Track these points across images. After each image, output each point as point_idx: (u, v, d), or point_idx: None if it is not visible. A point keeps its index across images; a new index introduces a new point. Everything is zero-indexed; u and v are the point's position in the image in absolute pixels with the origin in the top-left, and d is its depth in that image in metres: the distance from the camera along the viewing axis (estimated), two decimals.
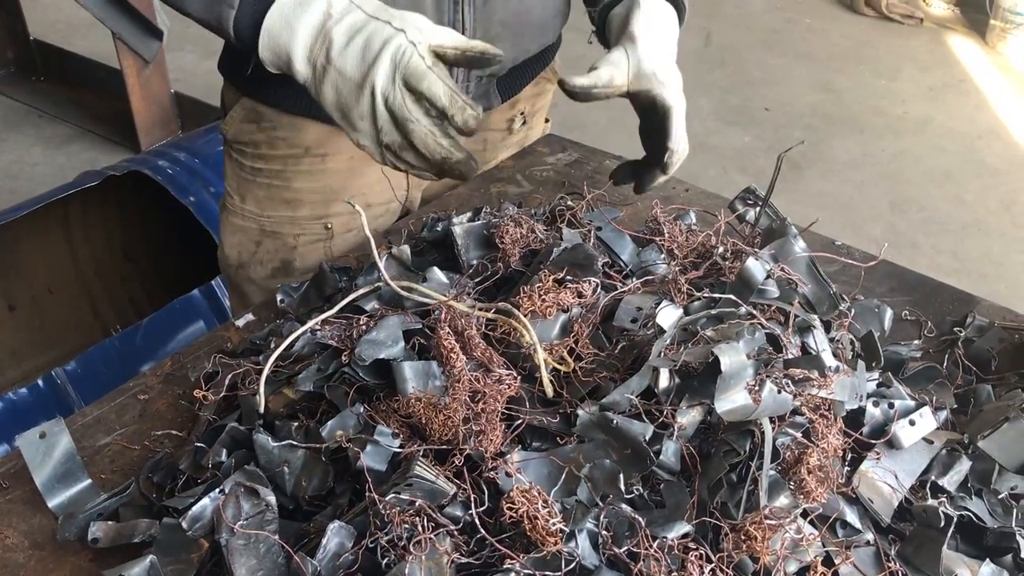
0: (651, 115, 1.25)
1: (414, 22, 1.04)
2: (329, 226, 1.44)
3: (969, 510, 0.91)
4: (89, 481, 0.96)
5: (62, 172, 3.44)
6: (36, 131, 3.89)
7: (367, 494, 0.81)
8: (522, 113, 1.59)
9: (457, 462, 0.84)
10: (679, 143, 1.25)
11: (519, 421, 0.88)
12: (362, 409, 0.91)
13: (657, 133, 1.25)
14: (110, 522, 0.91)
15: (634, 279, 1.05)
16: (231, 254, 1.50)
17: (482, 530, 0.80)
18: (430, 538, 0.77)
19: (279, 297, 1.20)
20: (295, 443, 0.90)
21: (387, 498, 0.79)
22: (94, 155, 3.67)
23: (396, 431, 0.87)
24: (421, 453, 0.84)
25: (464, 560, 0.78)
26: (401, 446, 0.86)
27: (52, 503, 0.94)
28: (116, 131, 3.72)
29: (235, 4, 1.08)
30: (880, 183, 3.80)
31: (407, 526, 0.78)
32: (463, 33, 1.30)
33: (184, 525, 0.84)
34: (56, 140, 3.83)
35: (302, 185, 1.42)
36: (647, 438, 0.84)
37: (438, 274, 1.08)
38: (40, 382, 2.02)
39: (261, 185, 1.44)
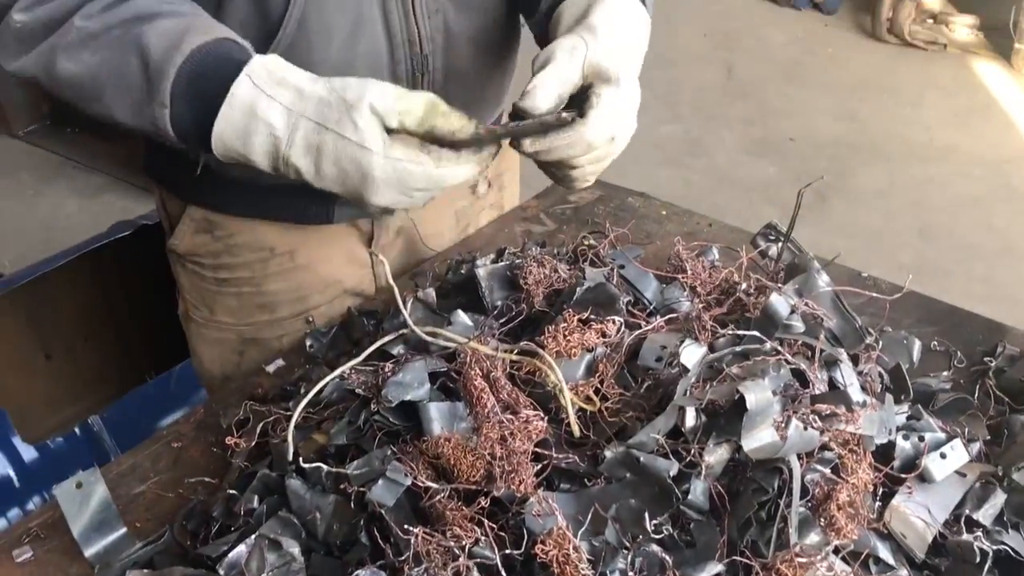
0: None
1: (364, 105, 0.94)
2: (311, 319, 1.37)
3: (1006, 544, 0.90)
4: (124, 530, 0.97)
5: (96, 221, 3.49)
6: (70, 182, 3.96)
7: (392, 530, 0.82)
8: (486, 178, 1.50)
9: (484, 504, 0.84)
10: (546, 149, 1.01)
11: (547, 463, 0.89)
12: (389, 451, 0.91)
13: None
14: (146, 571, 0.92)
15: (658, 317, 1.06)
16: (212, 368, 1.42)
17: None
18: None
19: (308, 343, 1.22)
20: (325, 488, 0.91)
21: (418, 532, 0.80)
22: (127, 203, 3.72)
23: (411, 469, 0.88)
24: (447, 494, 0.85)
25: None
26: (426, 489, 0.86)
27: (89, 552, 0.96)
28: None
29: (167, 102, 0.98)
30: (908, 211, 3.77)
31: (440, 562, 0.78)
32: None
33: (221, 572, 0.85)
34: (90, 190, 3.90)
35: (275, 287, 1.35)
36: (672, 475, 0.84)
37: (463, 317, 1.09)
38: (76, 430, 2.04)
39: (230, 295, 1.37)
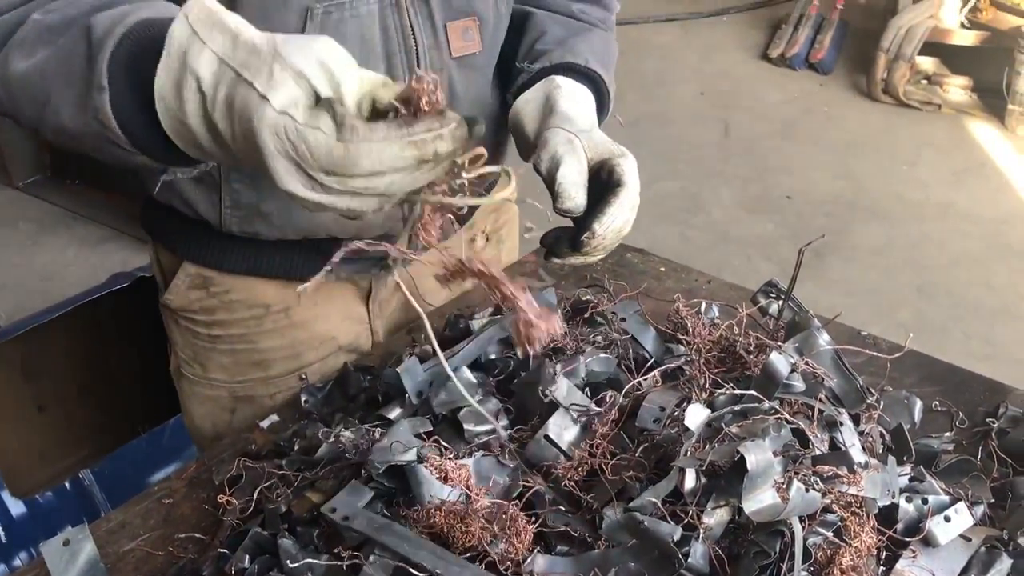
0: (597, 187, 1.05)
1: (292, 66, 0.73)
2: (304, 376, 1.34)
3: None
4: None
5: (95, 272, 3.50)
6: (70, 233, 3.97)
7: None
8: (483, 232, 1.49)
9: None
10: (609, 227, 1.03)
11: (542, 522, 0.87)
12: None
13: (590, 208, 1.04)
14: None
15: (656, 372, 1.05)
16: (203, 426, 1.40)
17: None
18: None
19: (303, 398, 1.21)
20: (318, 548, 0.89)
21: None
22: (126, 255, 3.73)
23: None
24: None
25: None
26: None
27: None
28: None
29: (105, 83, 0.81)
30: (905, 269, 3.78)
31: None
32: None
33: None
34: (90, 241, 3.91)
35: (270, 344, 1.34)
36: (675, 539, 0.83)
37: (467, 374, 1.08)
38: (67, 484, 2.02)
39: (224, 352, 1.35)
